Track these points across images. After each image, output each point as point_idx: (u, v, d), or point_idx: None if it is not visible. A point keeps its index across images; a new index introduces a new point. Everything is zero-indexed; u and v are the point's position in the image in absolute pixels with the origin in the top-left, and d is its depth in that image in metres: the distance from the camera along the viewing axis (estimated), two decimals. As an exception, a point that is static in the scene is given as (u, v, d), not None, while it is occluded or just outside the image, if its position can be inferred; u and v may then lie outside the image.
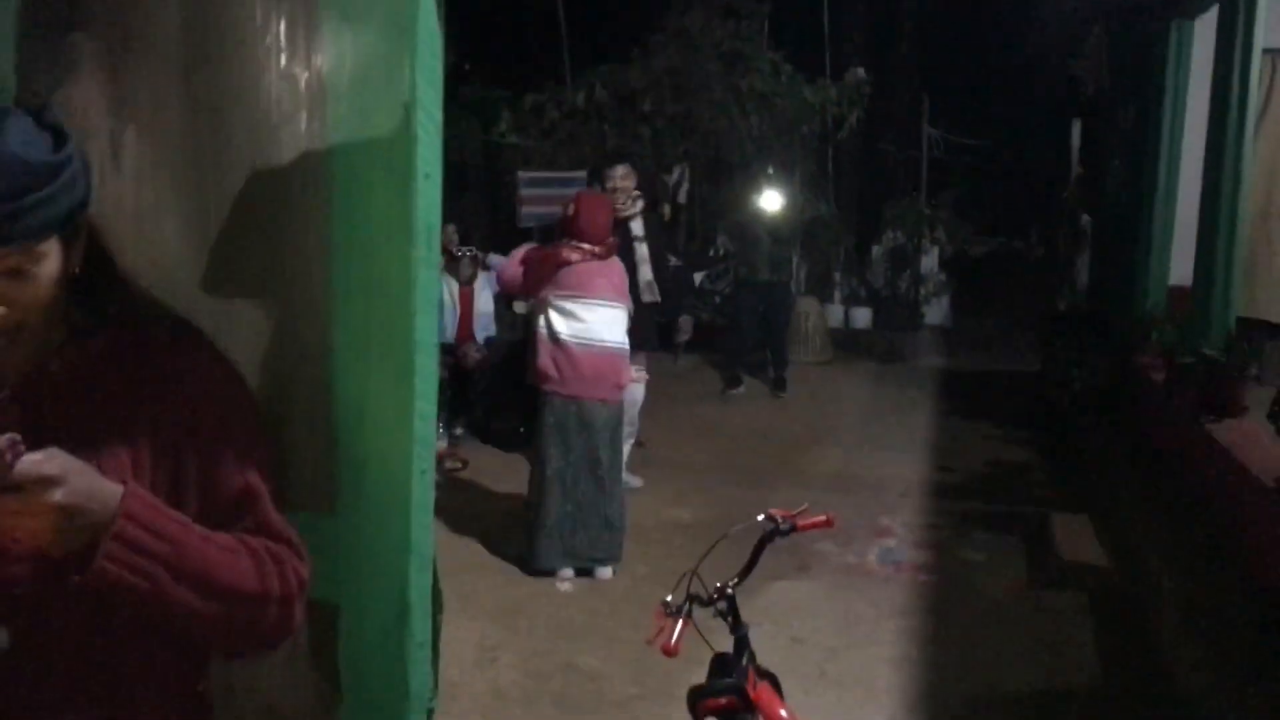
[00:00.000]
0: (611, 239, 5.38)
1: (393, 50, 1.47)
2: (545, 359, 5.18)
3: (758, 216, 10.06)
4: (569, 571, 5.25)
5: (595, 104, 12.24)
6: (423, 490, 1.54)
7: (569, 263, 5.18)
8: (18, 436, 1.09)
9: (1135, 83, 8.79)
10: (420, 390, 1.51)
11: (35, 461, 1.10)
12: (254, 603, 1.31)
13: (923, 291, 13.08)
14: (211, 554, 1.27)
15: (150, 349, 1.37)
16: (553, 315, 5.18)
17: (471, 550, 5.53)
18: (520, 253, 5.49)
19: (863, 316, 13.41)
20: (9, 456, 1.08)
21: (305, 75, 1.52)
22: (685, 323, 7.40)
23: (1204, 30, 7.41)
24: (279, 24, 1.53)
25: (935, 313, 13.65)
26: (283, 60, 1.53)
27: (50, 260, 1.25)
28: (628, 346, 5.35)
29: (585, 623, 4.81)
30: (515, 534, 5.91)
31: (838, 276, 13.76)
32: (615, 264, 5.38)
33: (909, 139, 15.22)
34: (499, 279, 6.01)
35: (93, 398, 1.31)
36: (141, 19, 1.63)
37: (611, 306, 5.26)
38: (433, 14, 1.48)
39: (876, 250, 14.02)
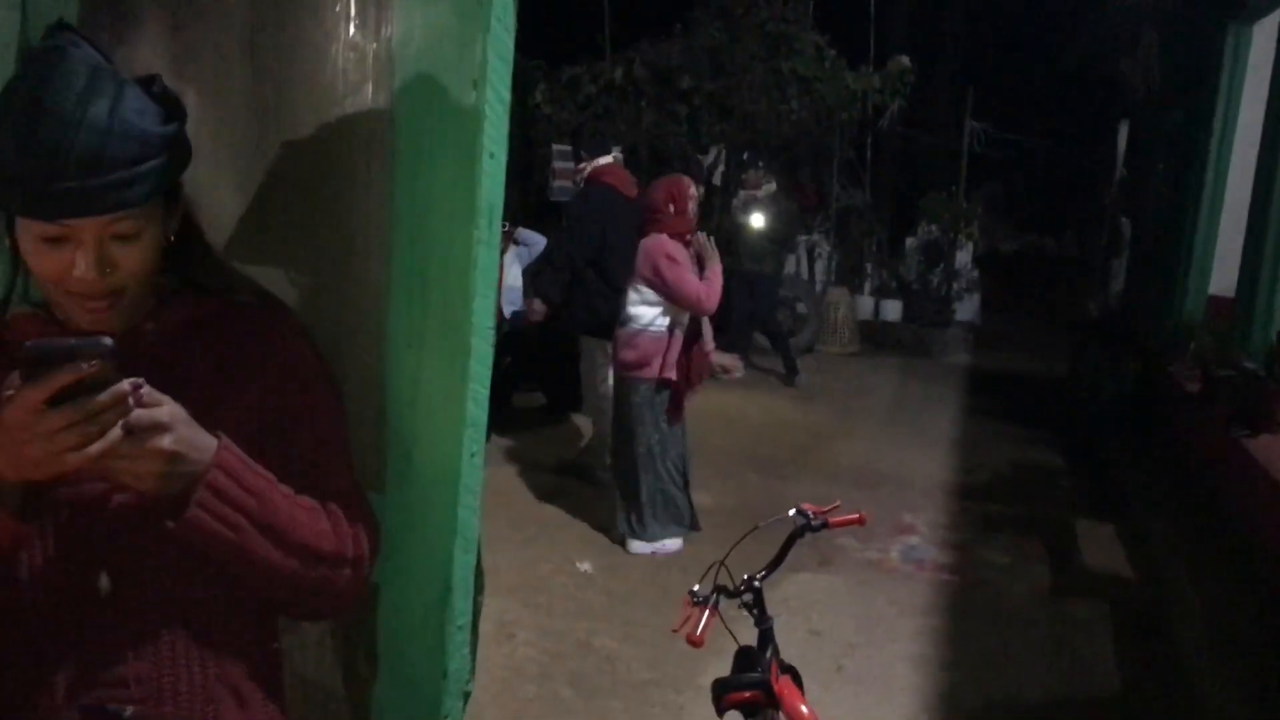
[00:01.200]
0: (649, 217, 5.38)
1: (465, 24, 1.44)
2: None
3: (746, 206, 9.99)
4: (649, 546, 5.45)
5: (633, 80, 12.17)
6: (471, 473, 1.53)
7: None
8: (141, 380, 1.15)
9: (1187, 86, 8.66)
10: (474, 373, 1.50)
11: (151, 406, 1.16)
12: (330, 563, 1.37)
13: (955, 287, 12.99)
14: (293, 511, 1.33)
15: (241, 321, 1.43)
16: None
17: (493, 525, 5.54)
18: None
19: (893, 309, 13.34)
20: (133, 399, 1.13)
21: (374, 46, 1.51)
22: None
23: (1263, 35, 7.30)
24: (349, -7, 1.51)
25: (966, 309, 13.56)
26: (351, 29, 1.52)
27: (154, 226, 1.30)
28: (641, 326, 5.33)
29: (605, 604, 4.82)
30: (537, 510, 5.94)
31: (869, 268, 13.69)
32: (644, 243, 5.34)
33: (950, 131, 15.08)
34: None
35: (184, 360, 1.36)
36: (207, -20, 1.61)
37: (630, 285, 5.40)
38: (508, -13, 1.46)
39: (910, 243, 13.92)
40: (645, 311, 5.33)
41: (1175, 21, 9.00)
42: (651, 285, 5.27)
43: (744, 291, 9.71)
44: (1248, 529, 5.24)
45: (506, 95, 1.48)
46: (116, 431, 1.12)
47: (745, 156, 9.95)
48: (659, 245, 5.26)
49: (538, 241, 8.32)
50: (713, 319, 5.59)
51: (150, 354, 1.33)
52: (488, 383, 1.52)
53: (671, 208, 5.32)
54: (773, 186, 9.87)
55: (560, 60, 12.94)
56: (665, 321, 5.32)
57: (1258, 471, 5.19)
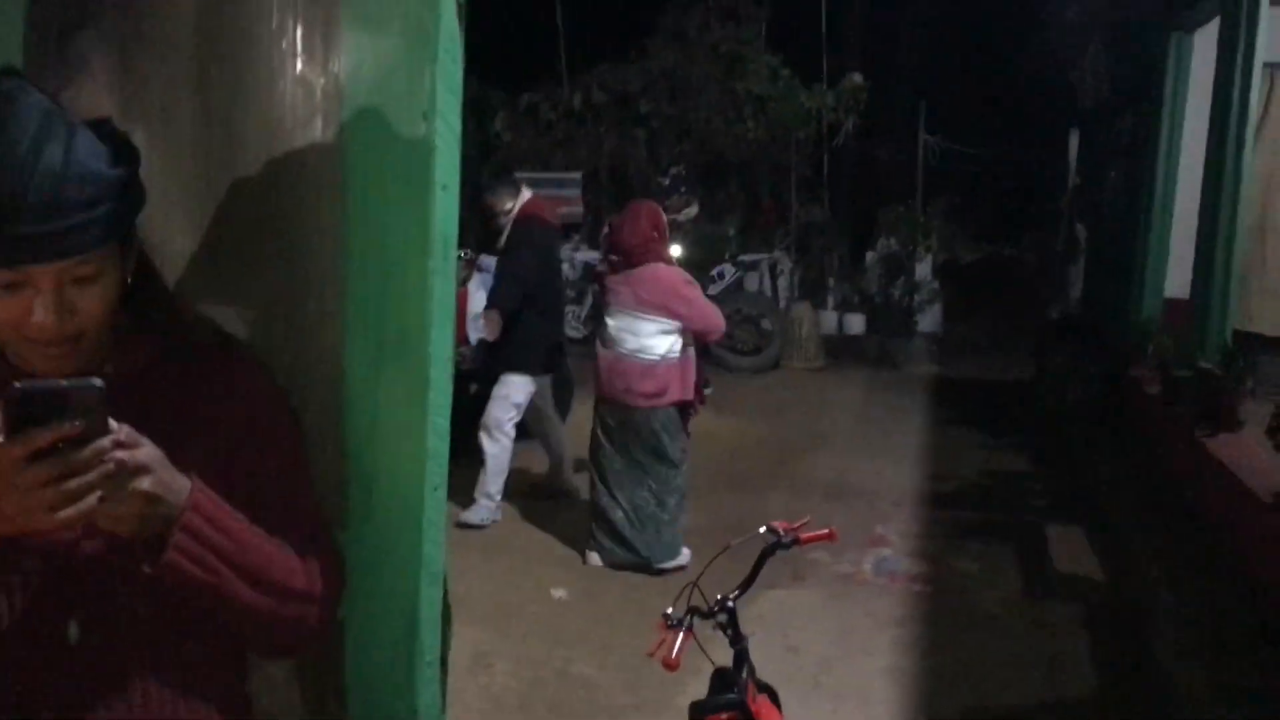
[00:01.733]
0: (641, 247, 5.36)
1: (414, 56, 1.44)
2: (597, 366, 5.54)
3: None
4: (596, 559, 5.53)
5: (592, 105, 12.23)
6: (435, 505, 1.51)
7: (600, 275, 5.59)
8: (120, 433, 1.14)
9: (1134, 94, 8.80)
10: (435, 404, 1.49)
11: (132, 448, 1.15)
12: (302, 601, 1.37)
13: (916, 298, 13.09)
14: (265, 550, 1.33)
15: (203, 362, 1.41)
16: (600, 323, 5.62)
17: (465, 554, 5.49)
18: None
19: (856, 322, 13.42)
20: (113, 448, 1.12)
21: (322, 80, 1.49)
22: None
23: (1203, 43, 7.44)
24: (296, 27, 1.50)
25: (928, 320, 13.66)
26: (299, 64, 1.50)
27: (111, 269, 1.29)
28: (659, 356, 5.34)
29: (581, 630, 4.78)
30: (508, 537, 5.90)
31: (831, 282, 13.77)
32: (640, 273, 5.34)
33: (905, 145, 15.23)
34: None
35: (145, 403, 1.33)
36: (152, 17, 1.59)
37: (631, 315, 5.32)
38: (454, 19, 1.45)
39: (871, 256, 14.03)
40: (663, 341, 5.32)
41: (1120, 32, 9.16)
42: (670, 314, 5.29)
43: None
44: (1215, 527, 5.29)
45: (457, 126, 1.47)
46: (92, 500, 1.11)
47: (668, 181, 9.97)
48: (671, 275, 5.36)
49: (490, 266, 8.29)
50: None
51: (110, 398, 1.31)
52: (448, 414, 1.51)
53: (657, 234, 5.37)
54: (694, 210, 9.92)
55: (519, 88, 12.99)
56: (680, 346, 5.37)
57: (1221, 470, 5.25)
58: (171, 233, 1.60)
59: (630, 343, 5.32)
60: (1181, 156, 7.92)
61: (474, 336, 8.13)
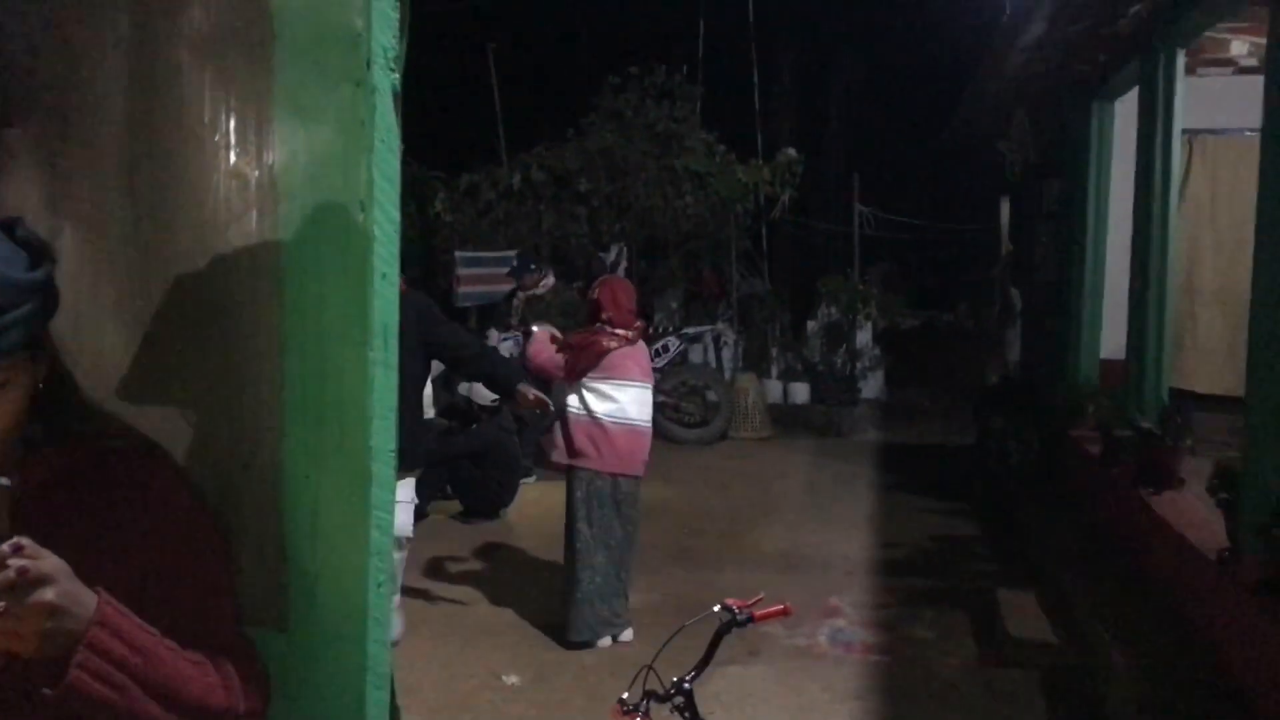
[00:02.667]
0: (639, 323, 5.59)
1: (349, 146, 1.42)
2: (582, 437, 5.38)
3: (531, 306, 10.05)
4: (606, 641, 5.43)
5: (531, 184, 12.32)
6: (380, 605, 1.46)
7: (608, 350, 5.39)
8: (21, 541, 1.08)
9: (1060, 161, 9.05)
10: (377, 500, 1.44)
11: (33, 561, 1.08)
12: (220, 718, 1.30)
13: (859, 366, 13.21)
14: (181, 667, 1.25)
15: (114, 469, 1.36)
16: (588, 396, 5.39)
17: (414, 640, 5.36)
18: (547, 340, 5.60)
19: (801, 391, 13.48)
20: (12, 557, 1.06)
21: (256, 173, 1.47)
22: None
23: (1125, 111, 7.68)
24: (228, 119, 1.48)
25: (871, 386, 13.77)
26: (232, 157, 1.48)
27: (21, 375, 1.24)
28: (649, 422, 5.52)
29: (534, 717, 4.66)
30: (458, 620, 5.77)
31: (774, 352, 13.86)
32: (641, 346, 5.59)
33: (841, 216, 15.51)
34: (530, 365, 5.70)
35: (54, 513, 1.29)
36: (82, 112, 1.57)
37: (640, 386, 5.46)
38: (390, 108, 1.44)
39: (812, 325, 14.16)
40: (649, 408, 5.51)
41: (1044, 101, 9.44)
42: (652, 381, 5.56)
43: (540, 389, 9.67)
44: (1162, 585, 5.33)
45: (396, 215, 1.45)
46: None
47: (515, 262, 10.02)
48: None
49: None
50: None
51: (16, 509, 1.26)
52: (392, 509, 1.47)
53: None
54: (551, 280, 9.98)
55: (459, 168, 13.06)
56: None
57: (1165, 528, 5.30)
58: (104, 332, 1.57)
59: (635, 413, 5.42)
60: (1110, 220, 8.12)
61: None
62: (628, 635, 5.49)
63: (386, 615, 1.48)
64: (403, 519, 4.85)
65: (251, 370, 1.49)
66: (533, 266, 10.03)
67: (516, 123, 13.84)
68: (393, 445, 1.46)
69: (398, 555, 4.95)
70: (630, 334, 5.46)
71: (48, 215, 1.60)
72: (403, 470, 4.83)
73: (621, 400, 5.37)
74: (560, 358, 5.51)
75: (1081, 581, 5.80)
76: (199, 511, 1.40)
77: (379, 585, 1.46)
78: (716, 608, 2.85)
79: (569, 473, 5.46)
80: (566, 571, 5.48)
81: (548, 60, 17.85)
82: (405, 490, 4.90)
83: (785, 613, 2.89)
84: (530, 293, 10.04)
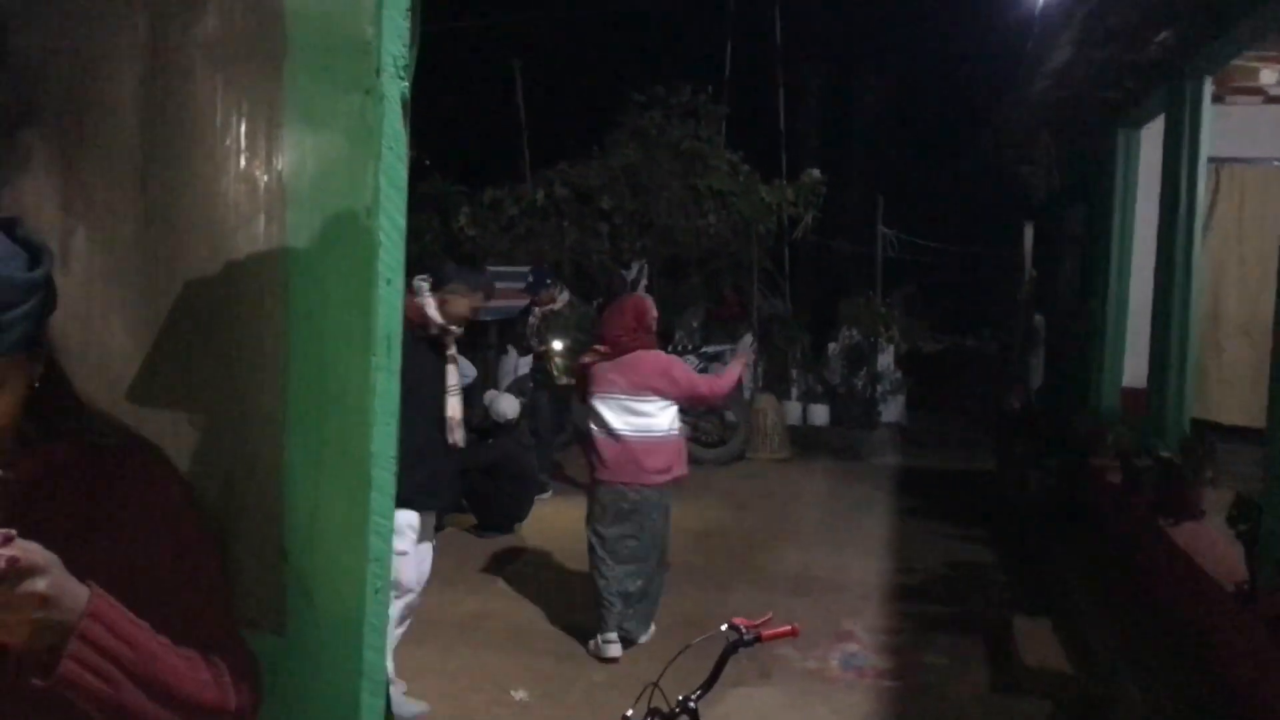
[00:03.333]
0: (626, 337, 5.62)
1: (356, 153, 1.44)
2: (589, 450, 5.71)
3: (547, 322, 10.01)
4: (618, 649, 5.57)
5: (554, 200, 12.37)
6: (376, 610, 1.47)
7: (586, 366, 5.71)
8: (11, 531, 1.09)
9: (1084, 188, 9.01)
10: (377, 505, 1.45)
11: (23, 551, 1.09)
12: (213, 715, 1.31)
13: (879, 389, 13.17)
14: (172, 661, 1.26)
15: (107, 466, 1.37)
16: (591, 411, 5.68)
17: (422, 653, 5.35)
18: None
19: (820, 414, 13.46)
20: (1, 547, 1.07)
21: (265, 178, 1.49)
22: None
23: (1151, 138, 7.64)
24: (239, 124, 1.50)
25: (891, 410, 13.73)
26: (242, 162, 1.50)
27: (17, 374, 1.26)
28: (658, 433, 5.60)
29: (540, 734, 4.66)
30: (465, 638, 5.77)
31: (795, 374, 13.84)
32: (630, 359, 5.60)
33: (864, 238, 15.48)
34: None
35: (47, 513, 1.30)
36: (96, 116, 1.59)
37: (620, 398, 5.56)
38: (398, 116, 1.45)
39: (833, 348, 14.14)
40: (664, 418, 5.62)
41: (1069, 127, 9.41)
42: (657, 392, 5.57)
43: (558, 407, 9.74)
44: (1180, 617, 5.27)
45: (402, 222, 1.46)
46: None
47: (531, 278, 10.02)
48: (655, 358, 5.68)
49: (466, 370, 8.23)
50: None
51: (12, 506, 1.27)
52: (391, 515, 1.47)
53: (638, 325, 5.66)
54: (565, 297, 9.96)
55: (483, 183, 13.14)
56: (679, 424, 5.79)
57: (1184, 559, 5.25)
58: (112, 332, 1.58)
59: (633, 422, 5.55)
60: (1134, 248, 8.08)
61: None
62: (646, 637, 5.71)
63: (383, 621, 1.48)
64: (411, 571, 4.73)
65: (255, 373, 1.50)
66: (549, 281, 10.04)
67: (541, 139, 13.93)
68: (393, 451, 1.46)
69: (405, 601, 4.76)
70: (606, 349, 5.64)
71: (62, 216, 1.62)
72: (427, 509, 4.71)
73: (603, 412, 5.57)
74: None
75: (1098, 611, 5.75)
76: (190, 509, 1.41)
77: (376, 591, 1.47)
78: (724, 627, 2.84)
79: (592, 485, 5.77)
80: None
81: (573, 78, 17.95)
82: (421, 534, 4.77)
83: (793, 633, 2.87)
84: (547, 308, 10.02)
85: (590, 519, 5.68)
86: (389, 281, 1.44)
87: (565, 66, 18.00)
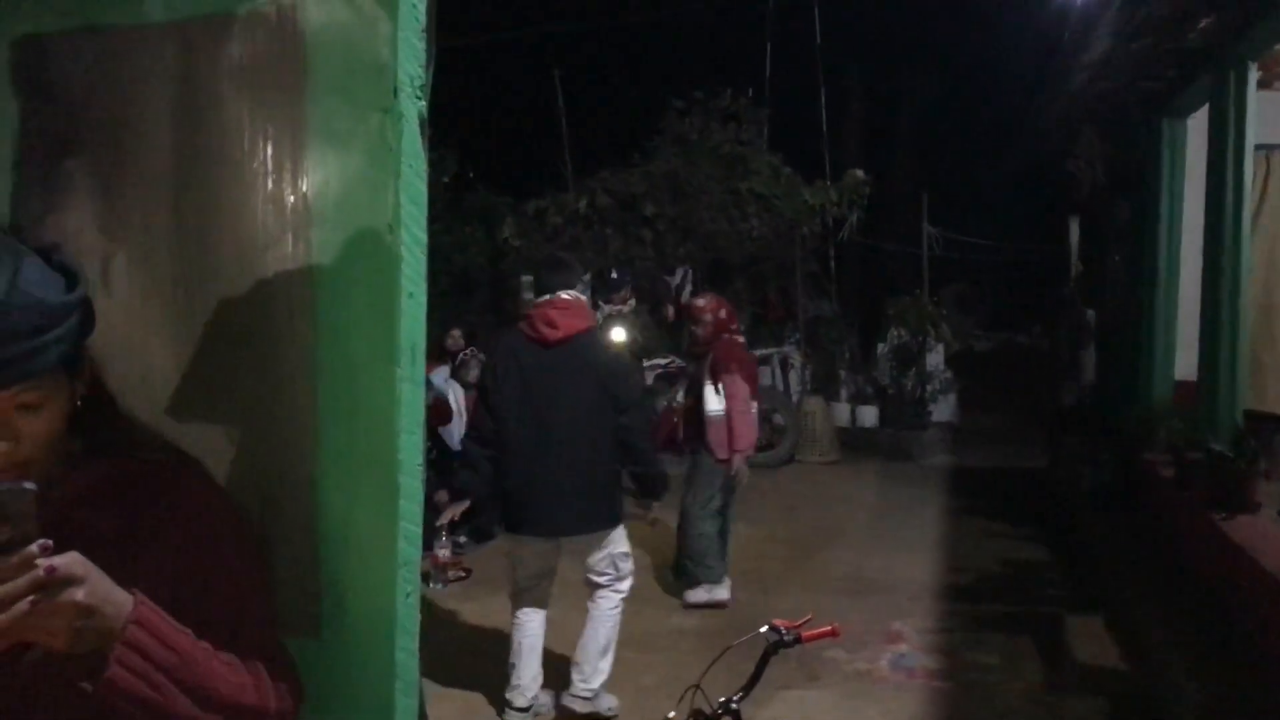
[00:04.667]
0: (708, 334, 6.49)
1: (377, 172, 1.48)
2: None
3: (608, 322, 9.97)
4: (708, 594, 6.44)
5: (597, 208, 12.44)
6: (407, 614, 1.51)
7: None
8: (49, 541, 1.13)
9: (1130, 180, 8.90)
10: (405, 512, 1.49)
11: (61, 560, 1.14)
12: (251, 717, 1.35)
13: (929, 389, 13.07)
14: (215, 667, 1.31)
15: (150, 480, 1.42)
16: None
17: (462, 669, 5.37)
18: None
19: (869, 415, 13.38)
20: (41, 555, 1.11)
21: (291, 198, 1.54)
22: None
23: (1197, 126, 7.54)
24: (266, 147, 1.56)
25: (942, 410, 13.61)
26: (269, 184, 1.55)
27: (59, 394, 1.30)
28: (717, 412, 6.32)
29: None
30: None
31: (843, 375, 13.78)
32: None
33: (909, 237, 15.39)
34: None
35: (93, 527, 1.34)
36: (134, 144, 1.66)
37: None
38: (416, 135, 1.50)
39: (881, 348, 14.05)
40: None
41: (1112, 119, 9.29)
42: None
43: None
44: (1235, 613, 5.18)
45: (423, 236, 1.51)
46: (23, 606, 1.10)
47: (615, 274, 9.97)
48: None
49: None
50: None
51: (58, 521, 1.32)
52: (419, 521, 1.52)
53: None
54: (633, 302, 9.96)
55: (526, 194, 13.25)
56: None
57: (1238, 554, 5.17)
58: (151, 352, 1.64)
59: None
60: (1183, 239, 7.96)
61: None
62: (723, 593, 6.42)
63: (414, 624, 1.52)
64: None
65: (286, 386, 1.55)
66: (629, 281, 9.86)
67: (582, 148, 14.02)
68: (419, 459, 1.51)
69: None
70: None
71: (102, 241, 1.69)
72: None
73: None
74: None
75: (1153, 607, 5.67)
76: (232, 520, 1.46)
77: (407, 595, 1.51)
78: (764, 628, 2.85)
79: None
80: None
81: (612, 86, 18.05)
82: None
83: (834, 634, 2.88)
84: (617, 309, 9.83)
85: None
86: (411, 295, 1.49)
87: (604, 75, 18.10)
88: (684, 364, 10.62)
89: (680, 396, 6.62)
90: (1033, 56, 12.87)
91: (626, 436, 4.68)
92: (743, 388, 6.34)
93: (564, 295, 4.70)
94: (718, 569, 6.47)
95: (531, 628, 4.75)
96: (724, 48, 16.51)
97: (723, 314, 6.61)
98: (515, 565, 4.82)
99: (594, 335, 4.81)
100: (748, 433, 6.36)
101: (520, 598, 4.80)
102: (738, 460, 6.33)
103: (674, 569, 6.84)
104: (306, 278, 1.53)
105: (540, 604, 4.79)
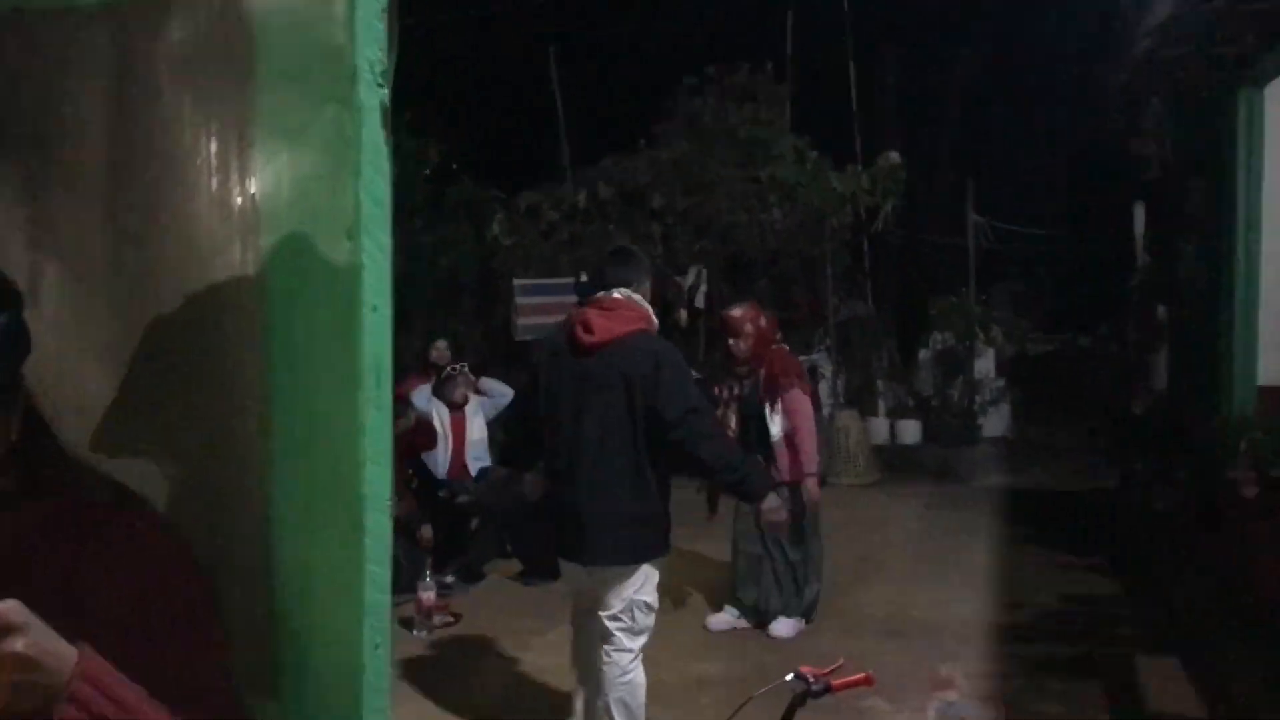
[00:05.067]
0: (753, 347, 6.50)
1: (335, 170, 1.49)
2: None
3: None
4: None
5: (598, 202, 12.46)
6: (376, 669, 1.51)
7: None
8: None
9: (1202, 160, 8.88)
10: (372, 553, 1.50)
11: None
12: None
13: (978, 399, 13.05)
14: None
15: (93, 518, 1.42)
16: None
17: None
18: None
19: (911, 430, 13.37)
20: None
21: (239, 201, 1.55)
22: None
23: (1276, 97, 7.52)
24: (210, 143, 1.56)
25: (994, 423, 13.59)
26: (214, 184, 1.56)
27: None
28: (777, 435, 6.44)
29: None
30: (513, 699, 5.82)
31: (880, 385, 13.76)
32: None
33: (954, 228, 15.38)
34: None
35: (31, 570, 1.35)
36: (64, 144, 1.66)
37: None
38: (378, 127, 1.50)
39: (923, 354, 14.04)
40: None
41: (1182, 92, 9.28)
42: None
43: None
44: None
45: (387, 243, 1.51)
46: None
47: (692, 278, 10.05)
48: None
49: (503, 393, 8.33)
50: None
51: None
52: (388, 563, 1.52)
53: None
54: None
55: (518, 186, 13.27)
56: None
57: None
58: (88, 376, 1.65)
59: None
60: (1264, 225, 7.94)
61: (474, 467, 8.18)
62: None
63: (383, 678, 1.53)
64: None
65: (237, 414, 1.56)
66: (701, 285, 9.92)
67: (581, 133, 14.03)
68: (387, 493, 1.51)
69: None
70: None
71: (30, 251, 1.69)
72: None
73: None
74: None
75: (1236, 648, 5.65)
76: (184, 566, 1.46)
77: (376, 647, 1.51)
78: (790, 676, 2.85)
79: None
80: None
81: (615, 62, 18.08)
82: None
83: (867, 681, 2.88)
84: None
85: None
86: (375, 308, 1.49)
87: (605, 50, 18.14)
88: (700, 375, 10.66)
89: (732, 422, 6.48)
90: (1092, 20, 12.90)
91: (690, 450, 4.41)
92: (807, 402, 6.40)
93: (615, 294, 4.49)
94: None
95: (577, 705, 4.78)
96: (740, 17, 16.52)
97: (763, 322, 6.57)
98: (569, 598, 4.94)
99: (639, 340, 4.50)
100: (816, 452, 6.43)
101: (576, 645, 4.81)
102: (812, 485, 6.39)
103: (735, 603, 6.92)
104: (256, 290, 1.54)
105: (588, 668, 4.71)
